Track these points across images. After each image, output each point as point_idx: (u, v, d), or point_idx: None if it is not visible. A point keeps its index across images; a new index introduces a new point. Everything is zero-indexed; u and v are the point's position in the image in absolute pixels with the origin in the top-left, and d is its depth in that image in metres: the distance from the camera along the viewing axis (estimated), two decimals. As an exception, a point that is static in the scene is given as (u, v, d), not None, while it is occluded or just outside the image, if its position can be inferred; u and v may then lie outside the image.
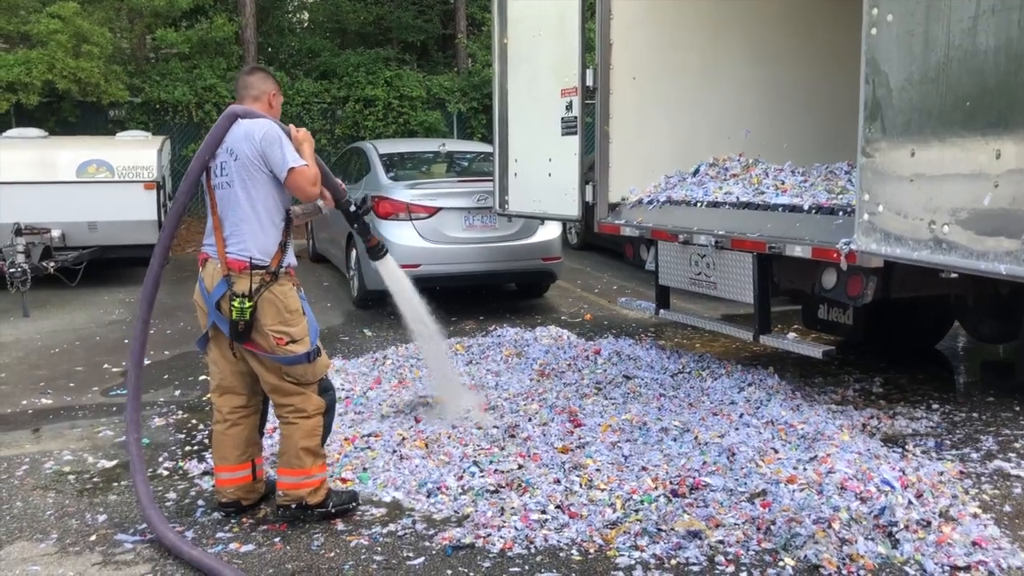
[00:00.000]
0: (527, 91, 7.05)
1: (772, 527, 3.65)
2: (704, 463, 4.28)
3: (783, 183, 5.70)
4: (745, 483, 4.05)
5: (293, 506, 3.85)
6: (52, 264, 9.02)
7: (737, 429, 4.72)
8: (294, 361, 3.76)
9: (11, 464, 4.73)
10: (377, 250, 4.51)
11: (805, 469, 4.06)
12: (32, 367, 6.79)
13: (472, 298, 8.98)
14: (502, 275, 8.67)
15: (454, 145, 11.21)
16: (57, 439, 5.17)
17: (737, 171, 6.29)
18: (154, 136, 11.85)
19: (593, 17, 6.63)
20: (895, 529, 3.53)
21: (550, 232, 8.53)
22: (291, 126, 3.87)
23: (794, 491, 3.88)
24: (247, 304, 3.67)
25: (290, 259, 3.86)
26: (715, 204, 5.73)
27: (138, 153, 10.05)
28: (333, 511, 3.90)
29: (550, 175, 6.76)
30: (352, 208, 4.22)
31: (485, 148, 10.17)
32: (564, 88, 6.50)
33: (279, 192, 3.78)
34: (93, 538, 3.81)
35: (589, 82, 6.34)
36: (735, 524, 3.70)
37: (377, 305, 8.55)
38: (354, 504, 3.99)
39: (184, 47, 15.28)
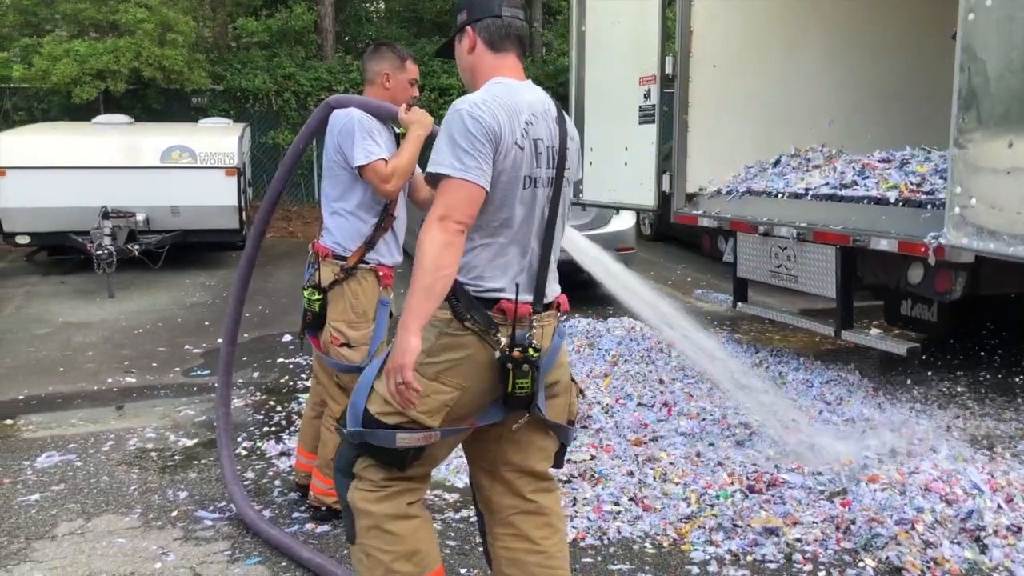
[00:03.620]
0: (604, 79, 6.99)
1: (852, 527, 3.56)
2: (782, 459, 4.20)
3: (868, 175, 5.54)
4: (824, 481, 3.96)
5: (323, 508, 3.82)
6: (136, 247, 9.29)
7: (816, 425, 4.62)
8: (345, 369, 3.60)
9: (97, 440, 4.88)
10: None
11: (888, 468, 3.95)
12: (117, 346, 7.00)
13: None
14: (575, 264, 8.61)
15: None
16: (140, 417, 5.32)
17: (819, 162, 6.13)
18: (235, 123, 12.10)
19: (673, 4, 6.53)
20: (983, 534, 3.41)
21: (624, 222, 8.46)
22: (403, 106, 3.57)
23: (875, 491, 3.78)
24: (316, 296, 3.58)
25: (380, 257, 3.65)
26: (797, 195, 5.60)
27: (220, 140, 10.26)
28: None
29: (626, 164, 6.69)
30: None
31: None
32: (642, 76, 6.41)
33: (366, 187, 3.57)
34: (175, 514, 3.91)
35: (668, 70, 6.24)
36: (813, 522, 3.62)
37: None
38: None
39: (264, 36, 15.54)
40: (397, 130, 3.69)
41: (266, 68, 15.24)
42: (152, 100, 13.94)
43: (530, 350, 2.33)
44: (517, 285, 2.37)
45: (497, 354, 2.32)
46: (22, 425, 5.20)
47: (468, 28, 2.47)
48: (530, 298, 2.40)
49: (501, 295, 2.36)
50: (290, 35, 15.95)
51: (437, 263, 2.22)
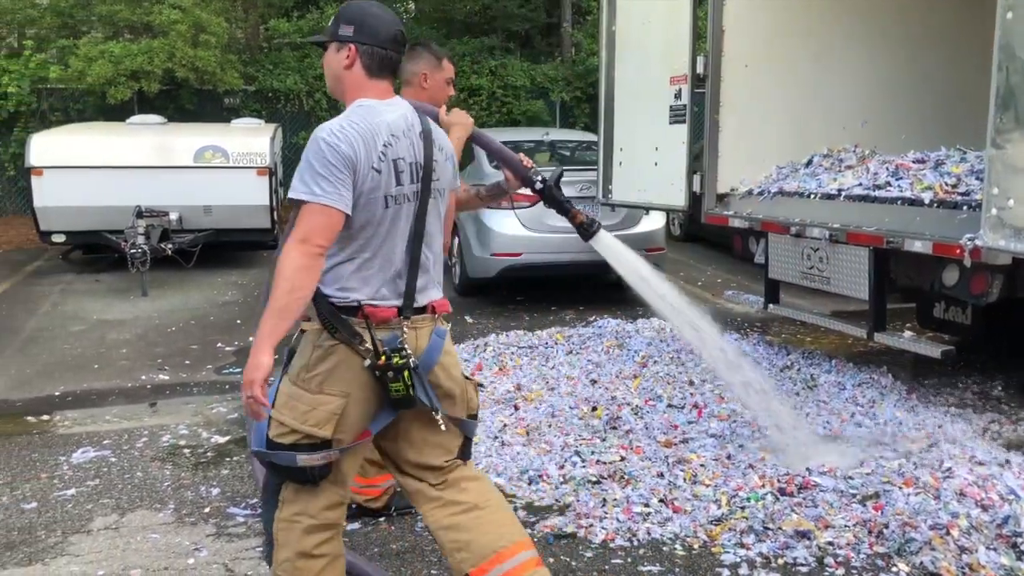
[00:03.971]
0: (634, 79, 6.96)
1: (885, 531, 3.52)
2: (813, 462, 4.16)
3: (902, 176, 5.48)
4: (856, 484, 3.92)
5: (353, 506, 3.81)
6: (170, 246, 9.39)
7: (847, 428, 4.58)
8: None
9: (131, 436, 4.95)
10: (586, 228, 3.66)
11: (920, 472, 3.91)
12: (150, 344, 7.08)
13: (573, 288, 8.94)
14: (604, 265, 8.58)
15: (557, 134, 11.18)
16: (173, 414, 5.38)
17: (852, 162, 6.06)
18: (267, 124, 12.20)
19: (705, 3, 6.49)
20: (1020, 540, 3.36)
21: (654, 222, 8.42)
22: (442, 108, 3.53)
23: (909, 495, 3.74)
24: None
25: None
26: (829, 196, 5.54)
27: (252, 140, 10.35)
28: (395, 514, 3.85)
29: (656, 164, 6.66)
30: (539, 185, 3.62)
31: (588, 137, 10.11)
32: (673, 76, 6.38)
33: None
34: (207, 510, 3.96)
35: (700, 70, 6.20)
36: (845, 526, 3.59)
37: (478, 293, 8.62)
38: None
39: (296, 37, 15.65)
40: None
41: (297, 69, 15.34)
42: (185, 100, 14.09)
43: (395, 356, 2.46)
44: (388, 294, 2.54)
45: (367, 361, 2.46)
46: (58, 421, 5.29)
47: (352, 45, 2.57)
48: (397, 303, 2.55)
49: (364, 303, 2.49)
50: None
51: (293, 285, 2.37)
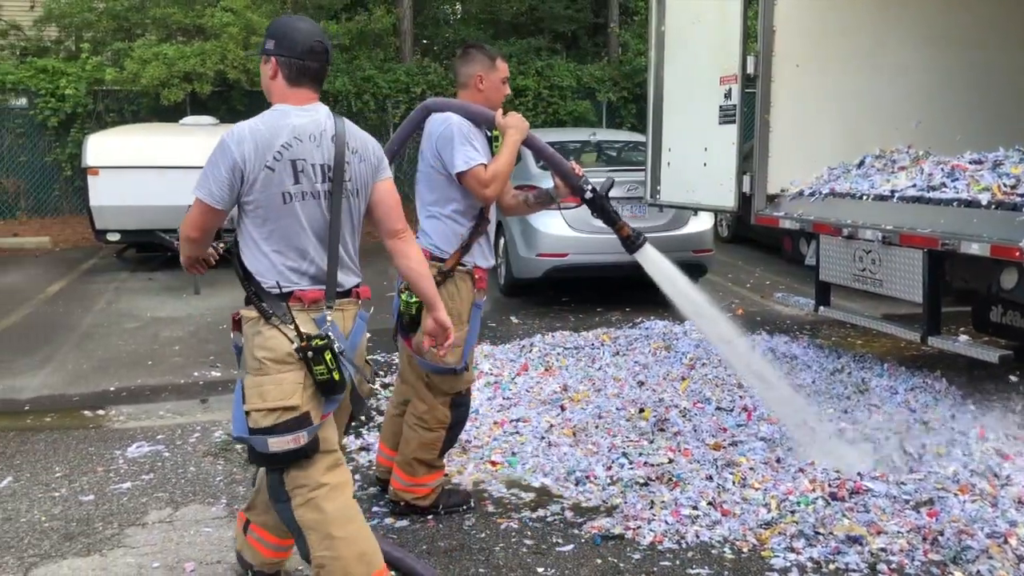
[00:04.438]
0: (683, 79, 6.92)
1: (940, 538, 3.46)
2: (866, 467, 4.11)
3: (957, 177, 5.38)
4: (910, 490, 3.86)
5: (402, 503, 3.86)
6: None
7: (899, 432, 4.51)
8: (436, 370, 3.64)
9: (184, 431, 5.03)
10: (631, 241, 3.79)
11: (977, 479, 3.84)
12: (202, 341, 7.20)
13: (619, 289, 8.92)
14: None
15: (604, 134, 11.14)
16: (224, 410, 5.46)
17: (906, 163, 5.96)
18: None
19: (755, 3, 6.43)
20: (1081, 549, 3.28)
21: (702, 223, 8.35)
22: (499, 111, 3.62)
23: (965, 502, 3.68)
24: (414, 299, 3.57)
25: (476, 260, 3.68)
26: (882, 197, 5.45)
27: (301, 140, 10.42)
28: (442, 512, 3.86)
29: (705, 165, 6.61)
30: (588, 194, 3.68)
31: (635, 137, 10.07)
32: (723, 76, 6.33)
33: (463, 191, 3.60)
34: (259, 505, 4.00)
35: (750, 70, 6.15)
36: (899, 532, 3.54)
37: (524, 293, 8.63)
38: (465, 507, 3.89)
39: (345, 39, 15.79)
40: (489, 133, 3.71)
41: (346, 71, 15.47)
42: (236, 101, 14.28)
43: (316, 339, 2.66)
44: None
45: (293, 344, 2.66)
46: (113, 416, 5.40)
47: (273, 58, 2.82)
48: (320, 288, 2.77)
49: (281, 288, 2.73)
50: (369, 38, 16.16)
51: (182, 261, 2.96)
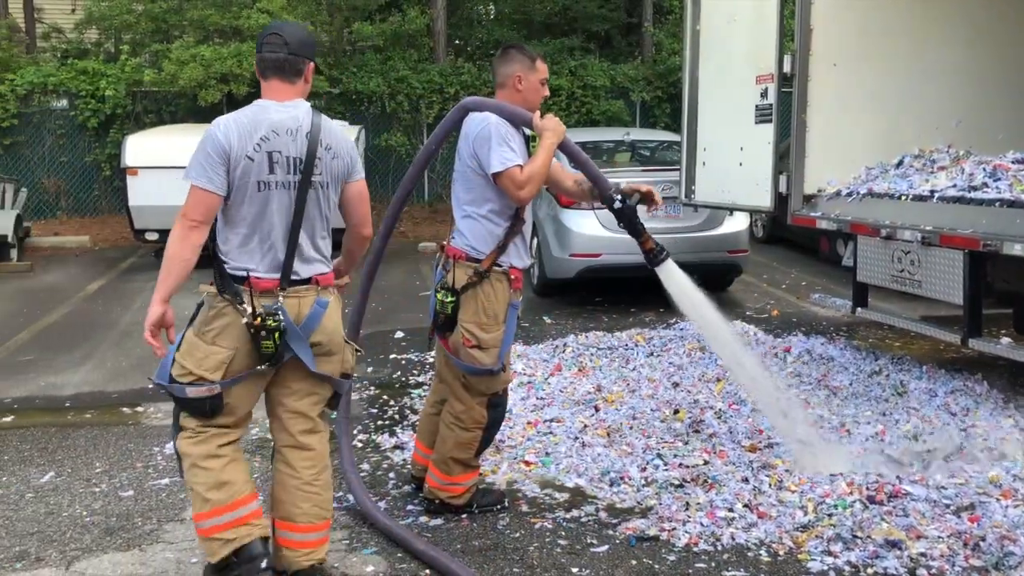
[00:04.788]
0: (719, 78, 6.88)
1: (981, 543, 3.41)
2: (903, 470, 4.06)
3: (999, 177, 5.29)
4: (950, 495, 3.81)
5: (436, 502, 3.87)
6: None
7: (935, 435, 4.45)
8: (473, 371, 3.65)
9: (221, 428, 5.08)
10: (655, 255, 3.79)
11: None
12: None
13: (653, 289, 8.88)
14: (685, 267, 8.44)
15: (638, 134, 11.11)
16: (260, 408, 5.43)
17: (946, 163, 5.88)
18: (350, 125, 12.40)
19: (792, 1, 6.37)
20: None
21: (737, 224, 8.29)
22: (536, 113, 3.63)
23: (1007, 507, 3.62)
24: (449, 299, 3.60)
25: (512, 260, 3.67)
26: (921, 198, 5.38)
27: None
28: (476, 511, 3.86)
29: (741, 165, 6.57)
30: (617, 204, 3.66)
31: (669, 137, 10.02)
32: (759, 75, 6.28)
33: (499, 192, 3.60)
34: (295, 502, 4.04)
35: (787, 69, 6.09)
36: (939, 537, 3.49)
37: (557, 293, 8.62)
38: (499, 506, 3.90)
39: (379, 40, 15.87)
40: (527, 132, 3.72)
41: (380, 71, 15.56)
42: (272, 102, 14.42)
43: (269, 319, 2.95)
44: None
45: (244, 320, 2.93)
46: (151, 413, 5.47)
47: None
48: (277, 275, 3.02)
49: (248, 273, 2.99)
50: (403, 38, 16.23)
51: (172, 252, 2.98)
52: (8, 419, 5.39)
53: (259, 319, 2.94)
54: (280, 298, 3.00)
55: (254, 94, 3.90)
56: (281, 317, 2.96)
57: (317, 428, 3.23)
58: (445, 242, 3.81)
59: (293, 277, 3.04)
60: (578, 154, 3.69)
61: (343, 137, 3.15)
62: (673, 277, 3.86)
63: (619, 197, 3.65)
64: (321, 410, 3.24)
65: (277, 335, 2.95)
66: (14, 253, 10.83)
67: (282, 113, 3.03)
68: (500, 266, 3.65)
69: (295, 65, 3.07)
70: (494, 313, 3.63)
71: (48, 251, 11.97)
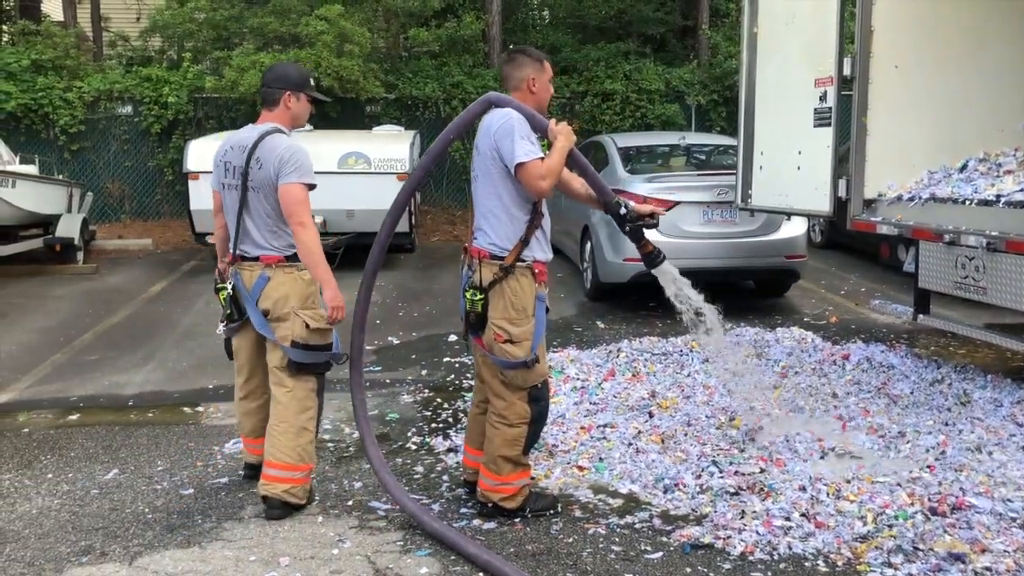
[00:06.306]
0: (777, 81, 6.80)
1: (1049, 558, 3.31)
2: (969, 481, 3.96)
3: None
4: (1017, 508, 3.71)
5: (489, 504, 3.88)
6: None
7: (1002, 446, 4.33)
8: (508, 365, 3.69)
9: (279, 429, 5.16)
10: (653, 257, 4.04)
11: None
12: (295, 342, 7.36)
13: (708, 294, 8.80)
14: (741, 272, 8.41)
15: (693, 138, 11.00)
16: (317, 409, 5.57)
17: (1012, 167, 5.73)
18: (406, 130, 12.51)
19: (852, 3, 6.27)
20: None
21: (795, 228, 8.15)
22: (551, 121, 3.76)
23: (1076, 521, 3.51)
24: (478, 297, 3.70)
25: (535, 254, 3.75)
26: (986, 202, 5.25)
27: (392, 147, 10.64)
28: (529, 515, 3.87)
29: (799, 168, 6.48)
30: (621, 211, 3.89)
31: (725, 141, 9.92)
32: (818, 78, 6.19)
33: (518, 187, 3.69)
34: (350, 503, 4.09)
35: (847, 71, 5.99)
36: (1005, 551, 3.40)
37: (610, 297, 8.59)
38: (552, 511, 3.90)
39: (435, 45, 15.98)
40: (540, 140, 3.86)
41: (435, 77, 15.66)
42: (329, 108, 14.60)
43: (219, 284, 4.11)
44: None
45: (217, 285, 4.14)
46: (211, 412, 5.58)
47: None
48: (231, 252, 4.03)
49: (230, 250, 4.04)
50: (459, 44, 16.32)
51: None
52: (74, 417, 5.54)
53: (219, 282, 4.09)
54: (235, 270, 3.99)
55: (311, 100, 4.12)
56: (227, 284, 4.00)
57: (284, 383, 3.96)
58: (467, 244, 3.90)
59: (244, 256, 3.97)
60: (585, 166, 3.90)
61: (271, 150, 3.84)
62: (668, 276, 4.22)
63: (624, 205, 3.89)
64: (284, 368, 3.94)
65: (223, 295, 4.01)
66: (80, 255, 11.11)
67: (245, 133, 3.99)
68: (524, 261, 3.73)
69: (271, 95, 3.98)
70: (522, 307, 3.71)
71: (112, 253, 12.26)
